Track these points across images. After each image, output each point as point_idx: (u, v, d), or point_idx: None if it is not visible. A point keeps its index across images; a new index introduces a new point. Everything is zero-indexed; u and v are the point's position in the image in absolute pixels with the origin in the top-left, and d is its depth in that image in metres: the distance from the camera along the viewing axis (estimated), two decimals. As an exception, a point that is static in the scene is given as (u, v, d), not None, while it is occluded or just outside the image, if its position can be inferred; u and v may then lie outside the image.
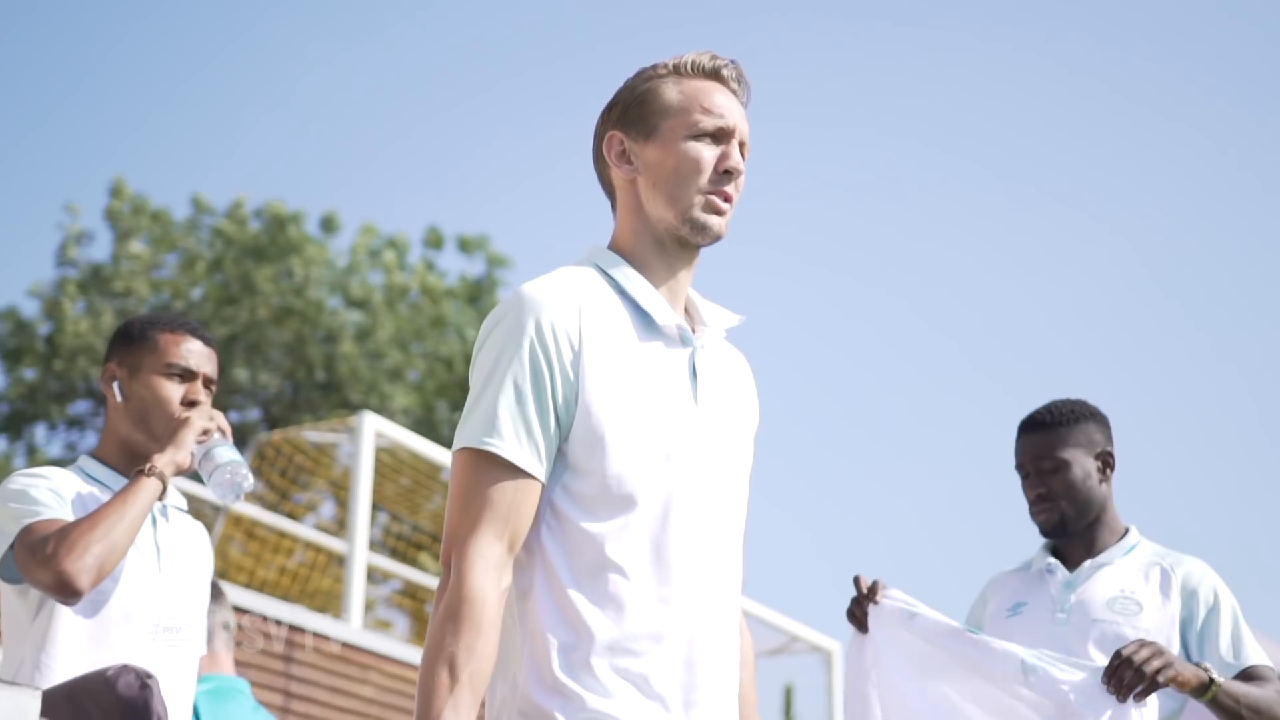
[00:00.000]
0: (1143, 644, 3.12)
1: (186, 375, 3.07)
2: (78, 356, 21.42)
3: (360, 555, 10.09)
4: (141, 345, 3.08)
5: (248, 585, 11.68)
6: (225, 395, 22.26)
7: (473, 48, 32.97)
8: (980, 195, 32.47)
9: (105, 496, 2.98)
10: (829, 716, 14.58)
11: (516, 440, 2.08)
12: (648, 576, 2.11)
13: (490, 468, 2.07)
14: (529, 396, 2.09)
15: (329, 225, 22.98)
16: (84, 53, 29.89)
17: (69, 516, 2.87)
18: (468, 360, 22.40)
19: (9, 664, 2.91)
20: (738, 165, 2.28)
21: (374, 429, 10.56)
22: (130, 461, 3.05)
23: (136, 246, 22.19)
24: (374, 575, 15.44)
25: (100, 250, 22.82)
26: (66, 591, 2.76)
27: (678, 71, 2.31)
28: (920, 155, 32.64)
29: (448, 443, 20.78)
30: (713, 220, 2.27)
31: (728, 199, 2.28)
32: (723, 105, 2.29)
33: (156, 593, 2.98)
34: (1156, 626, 3.38)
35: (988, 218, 32.18)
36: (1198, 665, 3.22)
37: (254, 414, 22.68)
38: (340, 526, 14.53)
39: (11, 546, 2.86)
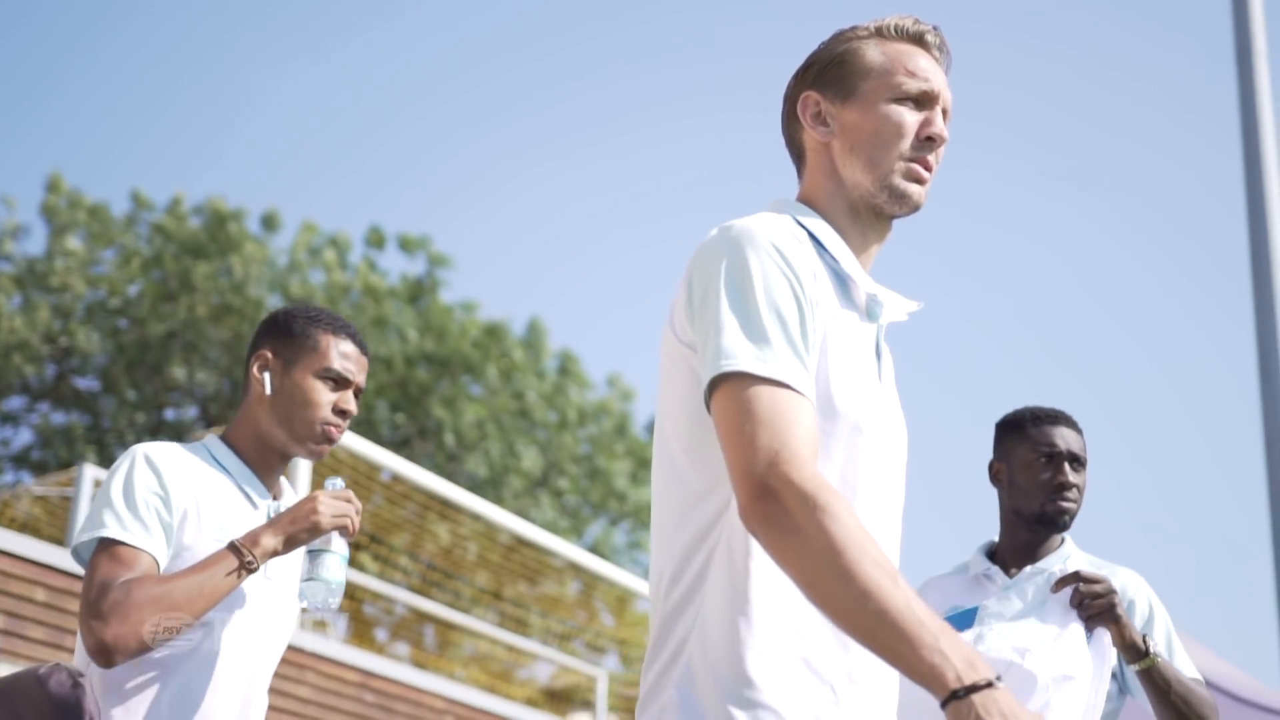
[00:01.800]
0: (1105, 583, 3.19)
1: (341, 383, 2.97)
2: (12, 352, 21.19)
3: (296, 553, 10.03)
4: (302, 342, 2.96)
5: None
6: (163, 393, 22.09)
7: (416, 54, 32.87)
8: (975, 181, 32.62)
9: (226, 486, 2.89)
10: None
11: (797, 370, 1.94)
12: None
13: (776, 394, 1.91)
14: (795, 329, 1.96)
15: (270, 223, 22.84)
16: (20, 45, 29.59)
17: (157, 551, 2.74)
18: (408, 360, 22.32)
19: (83, 650, 2.80)
20: (942, 132, 2.16)
21: (313, 428, 10.50)
22: (262, 454, 2.94)
23: (73, 242, 21.98)
24: (311, 575, 15.32)
25: (36, 245, 22.63)
26: (101, 658, 2.66)
27: (880, 34, 2.20)
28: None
29: (387, 443, 20.75)
30: (913, 189, 2.15)
31: (928, 168, 2.16)
32: (927, 69, 2.18)
33: (262, 601, 2.89)
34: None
35: (989, 203, 32.39)
36: (1144, 636, 3.27)
37: (191, 412, 22.51)
38: (277, 526, 14.42)
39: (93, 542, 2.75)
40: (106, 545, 2.72)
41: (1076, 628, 3.28)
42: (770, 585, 1.95)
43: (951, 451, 33.01)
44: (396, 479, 13.52)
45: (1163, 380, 32.40)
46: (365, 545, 15.35)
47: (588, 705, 15.81)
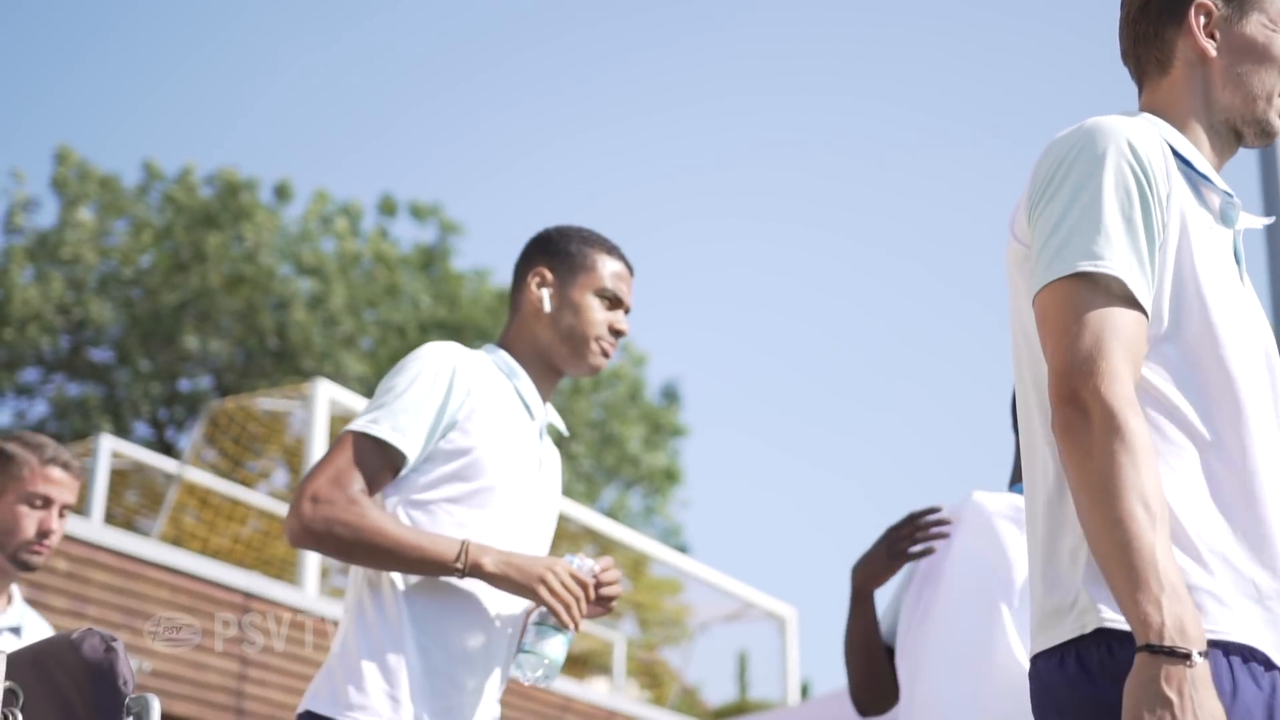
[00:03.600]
0: None
1: (615, 302, 3.02)
2: (26, 325, 21.22)
3: (315, 523, 10.05)
4: (579, 261, 3.00)
5: (202, 552, 11.62)
6: (176, 363, 22.14)
7: (431, 25, 32.78)
8: (948, 147, 32.56)
9: (509, 393, 2.92)
10: (783, 682, 14.67)
11: (1133, 271, 1.88)
12: (1252, 479, 1.92)
13: (1107, 297, 1.87)
14: (1139, 228, 1.90)
15: (283, 193, 22.82)
16: (27, 16, 29.55)
17: (410, 451, 2.76)
18: (421, 327, 22.34)
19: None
20: None
21: (328, 396, 10.51)
22: (539, 368, 2.99)
23: (84, 214, 21.99)
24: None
25: (47, 217, 22.63)
26: (288, 534, 2.73)
27: None
28: (878, 111, 32.71)
29: (401, 410, 20.70)
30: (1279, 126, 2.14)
31: None
32: None
33: (535, 504, 2.93)
34: None
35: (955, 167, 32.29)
36: None
37: (205, 382, 22.56)
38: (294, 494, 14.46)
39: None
40: (364, 440, 2.75)
41: None
42: (1188, 478, 1.90)
43: (949, 406, 33.02)
44: (412, 446, 13.51)
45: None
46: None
47: (604, 670, 15.86)
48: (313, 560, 9.88)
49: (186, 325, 21.55)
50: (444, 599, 2.76)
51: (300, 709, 2.72)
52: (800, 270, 34.59)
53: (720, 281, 35.85)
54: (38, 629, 3.55)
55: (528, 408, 2.95)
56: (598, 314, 2.98)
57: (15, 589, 3.57)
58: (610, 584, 2.88)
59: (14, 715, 2.31)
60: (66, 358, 22.20)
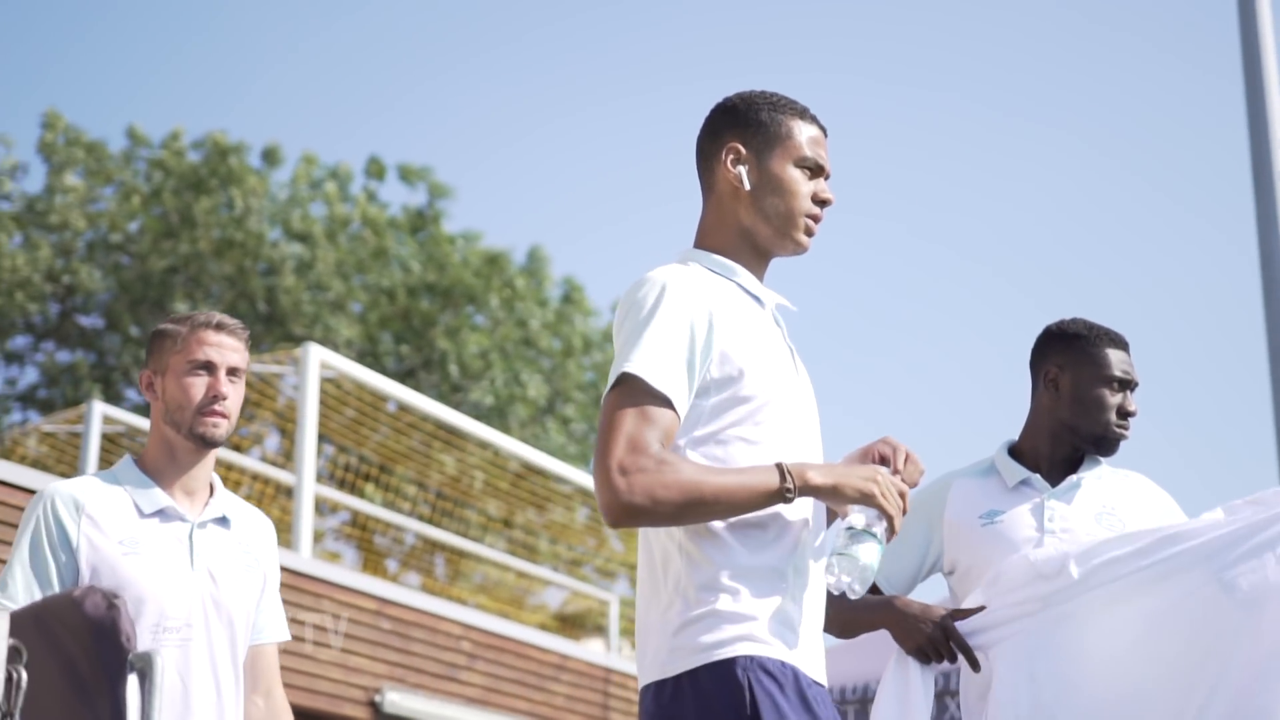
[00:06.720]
0: None
1: (816, 170, 2.81)
2: (15, 291, 21.17)
3: (308, 486, 10.07)
4: (773, 130, 2.81)
5: (195, 518, 11.61)
6: (166, 329, 22.07)
7: (411, -24, 32.61)
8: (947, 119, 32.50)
9: (739, 295, 2.75)
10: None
11: None
12: None
13: None
14: None
15: (271, 158, 22.72)
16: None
17: (680, 398, 2.58)
18: (410, 292, 22.30)
19: None
20: None
21: (319, 360, 10.51)
22: (748, 251, 2.81)
23: (72, 179, 21.91)
24: (321, 507, 15.41)
25: (34, 183, 22.55)
26: (611, 516, 2.54)
27: None
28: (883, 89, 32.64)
29: (392, 374, 20.77)
30: None
31: None
32: None
33: (803, 396, 2.79)
34: None
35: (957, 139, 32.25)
36: None
37: (196, 347, 22.48)
38: (286, 458, 14.48)
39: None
40: (634, 390, 2.57)
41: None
42: None
43: (957, 368, 33.06)
44: (403, 409, 13.55)
45: (1166, 297, 32.39)
46: (374, 476, 15.40)
47: (600, 630, 15.92)
48: (306, 523, 9.89)
49: (176, 290, 21.50)
50: (761, 516, 2.63)
51: (660, 676, 2.56)
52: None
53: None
54: (249, 521, 3.39)
55: (756, 299, 2.79)
56: (802, 186, 2.79)
57: (217, 480, 3.39)
58: (912, 471, 2.77)
59: (18, 673, 2.31)
60: (56, 324, 22.14)
